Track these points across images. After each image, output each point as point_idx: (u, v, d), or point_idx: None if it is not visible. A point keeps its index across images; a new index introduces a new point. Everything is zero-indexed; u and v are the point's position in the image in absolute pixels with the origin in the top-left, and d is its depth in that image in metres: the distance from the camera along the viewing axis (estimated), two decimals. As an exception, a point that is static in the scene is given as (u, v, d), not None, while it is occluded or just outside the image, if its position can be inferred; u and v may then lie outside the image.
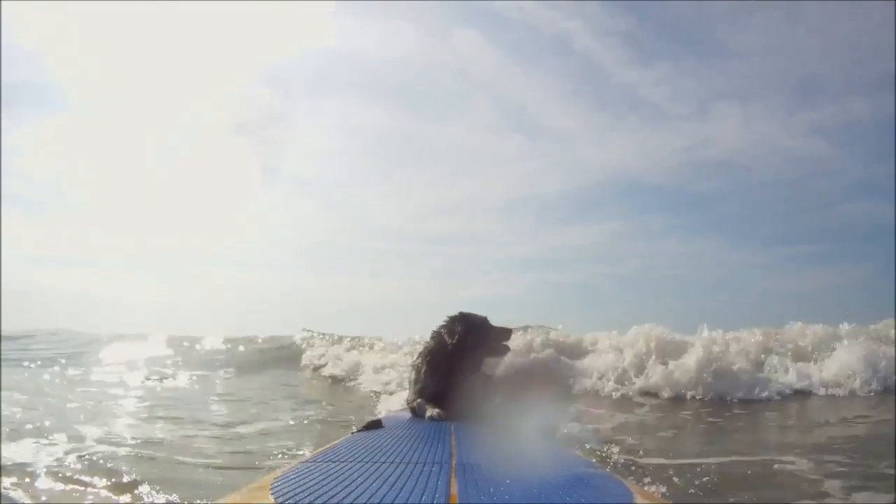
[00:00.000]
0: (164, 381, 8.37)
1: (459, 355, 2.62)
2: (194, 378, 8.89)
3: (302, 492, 1.08)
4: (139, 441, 3.81)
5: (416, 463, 1.40)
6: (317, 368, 10.06)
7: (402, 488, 1.13)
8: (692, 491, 2.68)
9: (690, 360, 6.27)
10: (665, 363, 6.40)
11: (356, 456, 1.51)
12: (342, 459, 1.45)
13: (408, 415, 2.63)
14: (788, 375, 6.28)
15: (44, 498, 2.66)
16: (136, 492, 2.74)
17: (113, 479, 2.88)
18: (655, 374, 6.30)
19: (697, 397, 5.90)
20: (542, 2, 21.40)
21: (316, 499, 1.04)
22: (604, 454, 3.28)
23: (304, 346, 12.40)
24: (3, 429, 3.84)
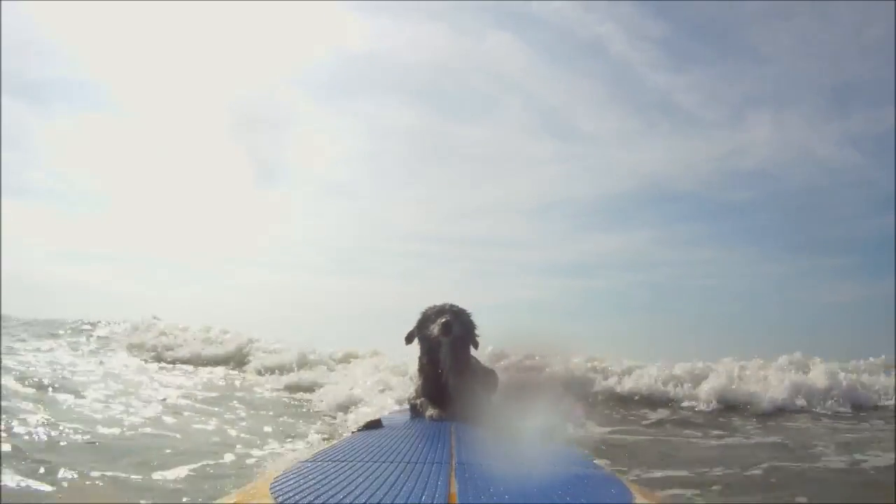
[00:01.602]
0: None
1: (455, 351, 2.56)
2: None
3: (302, 492, 1.08)
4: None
5: (416, 463, 1.40)
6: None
7: (401, 488, 1.13)
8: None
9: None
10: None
11: (356, 456, 1.51)
12: (342, 459, 1.45)
13: (408, 415, 2.63)
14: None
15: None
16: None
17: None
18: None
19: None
20: (577, 1, 21.17)
21: (316, 499, 1.04)
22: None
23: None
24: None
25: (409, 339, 2.69)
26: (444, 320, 2.50)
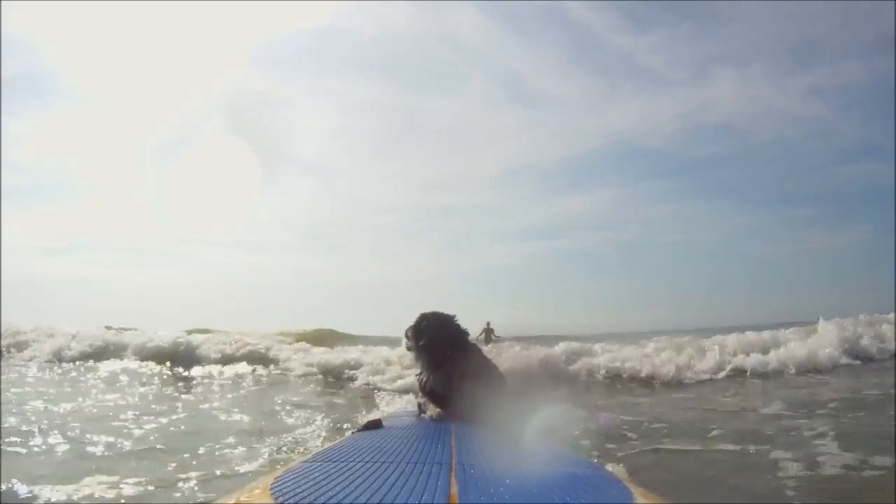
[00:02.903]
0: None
1: (433, 355, 2.62)
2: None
3: (302, 492, 1.08)
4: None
5: (416, 463, 1.40)
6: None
7: (401, 488, 1.13)
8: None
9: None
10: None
11: (356, 456, 1.51)
12: (342, 459, 1.45)
13: (407, 415, 2.64)
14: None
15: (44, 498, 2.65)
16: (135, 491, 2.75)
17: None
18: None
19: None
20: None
21: (316, 499, 1.04)
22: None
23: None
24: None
25: (409, 349, 2.75)
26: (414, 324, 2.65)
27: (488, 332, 17.64)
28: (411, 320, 2.73)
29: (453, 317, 2.71)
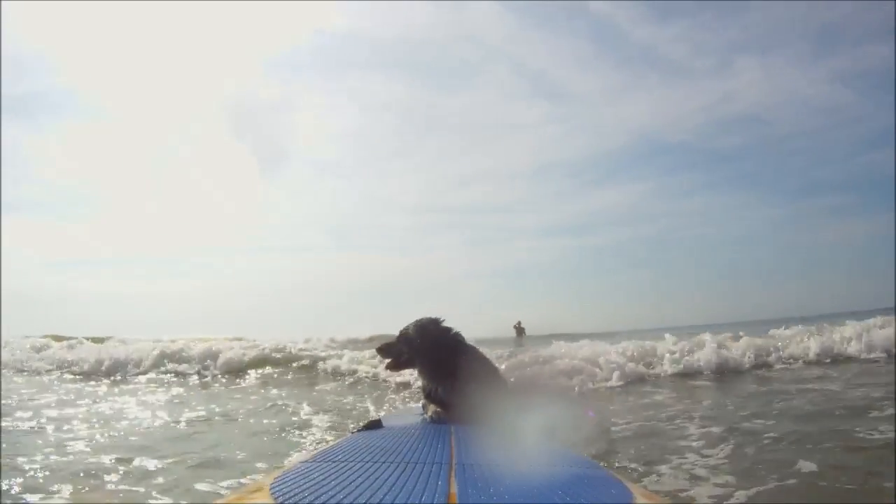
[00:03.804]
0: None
1: (429, 363, 2.60)
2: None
3: (302, 492, 1.08)
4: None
5: (416, 463, 1.40)
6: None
7: (401, 488, 1.13)
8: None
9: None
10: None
11: (356, 456, 1.51)
12: (342, 459, 1.45)
13: (407, 414, 2.65)
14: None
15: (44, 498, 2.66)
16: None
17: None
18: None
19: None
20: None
21: (316, 499, 1.04)
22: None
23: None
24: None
25: (395, 366, 2.72)
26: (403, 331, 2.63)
27: (519, 331, 17.67)
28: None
29: (442, 321, 2.67)
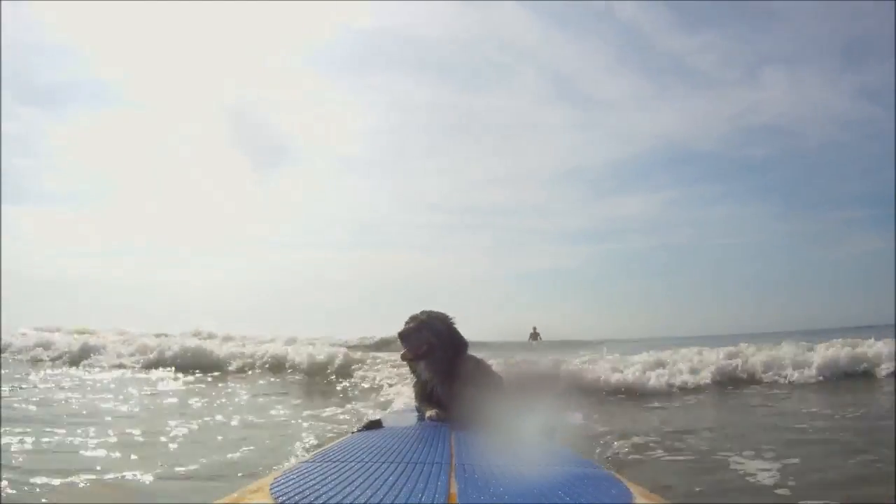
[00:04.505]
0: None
1: (433, 362, 2.51)
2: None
3: (302, 492, 1.08)
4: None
5: (416, 463, 1.40)
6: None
7: (401, 488, 1.13)
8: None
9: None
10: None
11: (356, 456, 1.51)
12: (342, 459, 1.45)
13: (407, 415, 2.64)
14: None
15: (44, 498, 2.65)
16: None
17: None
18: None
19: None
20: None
21: (316, 499, 1.04)
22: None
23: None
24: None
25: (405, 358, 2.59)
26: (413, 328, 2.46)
27: (534, 336, 17.70)
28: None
29: (451, 318, 2.58)
